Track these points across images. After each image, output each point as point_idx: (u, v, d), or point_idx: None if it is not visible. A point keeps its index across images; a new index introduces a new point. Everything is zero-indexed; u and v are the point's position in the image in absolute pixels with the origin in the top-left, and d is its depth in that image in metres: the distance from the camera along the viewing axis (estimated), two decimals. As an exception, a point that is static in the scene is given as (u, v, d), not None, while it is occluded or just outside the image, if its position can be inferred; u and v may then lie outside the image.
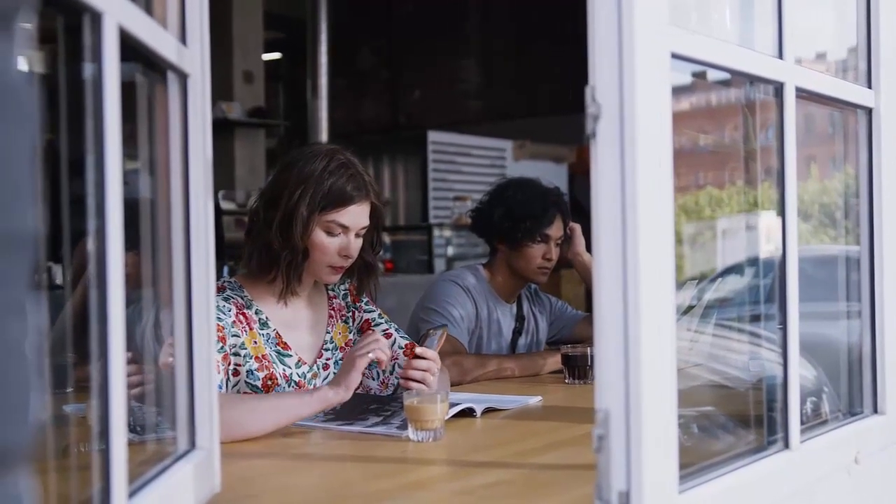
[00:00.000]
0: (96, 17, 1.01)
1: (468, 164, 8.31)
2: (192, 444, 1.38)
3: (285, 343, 2.26)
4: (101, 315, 1.02)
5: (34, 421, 0.59)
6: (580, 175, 8.36)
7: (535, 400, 2.37)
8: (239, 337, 2.16)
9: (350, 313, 2.44)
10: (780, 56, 1.53)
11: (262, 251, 2.23)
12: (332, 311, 2.41)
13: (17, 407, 0.56)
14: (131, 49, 1.12)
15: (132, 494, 1.10)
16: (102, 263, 1.02)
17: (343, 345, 2.39)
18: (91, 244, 1.03)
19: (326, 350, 2.36)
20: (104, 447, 1.03)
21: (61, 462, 1.23)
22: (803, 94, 1.59)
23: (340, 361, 2.34)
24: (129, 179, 1.11)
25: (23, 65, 0.59)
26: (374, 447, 1.85)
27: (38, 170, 0.59)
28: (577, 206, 5.83)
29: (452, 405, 2.05)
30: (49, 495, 1.18)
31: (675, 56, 1.26)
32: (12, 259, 0.56)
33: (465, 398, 2.18)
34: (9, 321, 0.56)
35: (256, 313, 2.24)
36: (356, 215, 2.22)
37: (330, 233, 2.21)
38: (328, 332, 2.37)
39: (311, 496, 1.58)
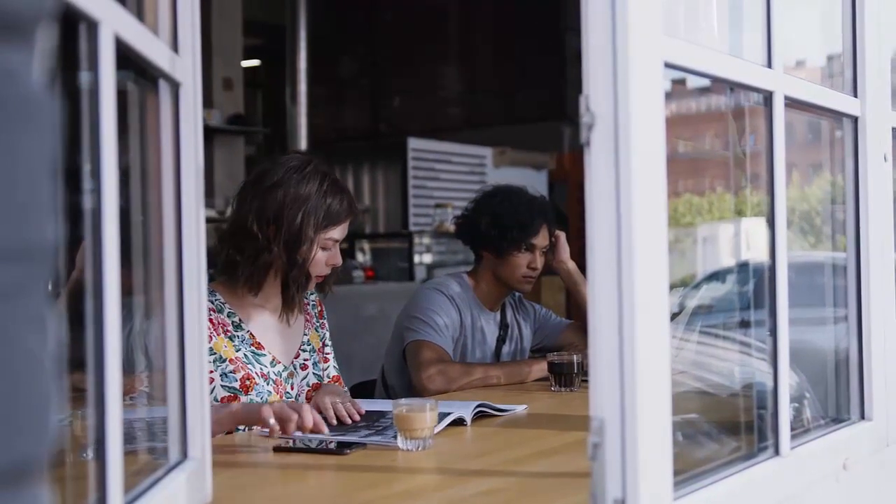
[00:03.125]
0: (93, 26, 1.00)
1: (448, 171, 8.30)
2: (185, 455, 1.37)
3: (259, 343, 2.31)
4: (97, 324, 1.01)
5: (53, 432, 0.58)
6: (559, 182, 8.38)
7: (521, 409, 2.37)
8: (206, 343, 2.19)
9: (320, 323, 2.53)
10: (769, 65, 1.54)
11: (262, 269, 2.27)
12: (308, 316, 2.48)
13: (38, 419, 0.56)
14: (123, 57, 1.12)
15: (127, 506, 1.10)
16: (98, 272, 1.01)
17: (317, 349, 2.47)
18: (86, 252, 1.02)
19: (304, 351, 2.43)
20: (100, 457, 1.02)
21: (54, 472, 1.22)
22: (791, 103, 1.60)
23: (317, 364, 2.44)
24: (119, 188, 1.10)
25: (42, 75, 0.58)
26: (364, 457, 1.84)
27: (57, 180, 0.59)
28: (557, 213, 5.85)
29: (442, 415, 2.05)
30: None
31: (667, 65, 1.26)
32: (32, 270, 0.56)
33: (454, 406, 2.18)
34: (29, 332, 0.55)
35: (229, 316, 2.29)
36: (345, 229, 2.35)
37: (325, 248, 2.31)
38: (305, 335, 2.44)
39: (302, 506, 1.57)
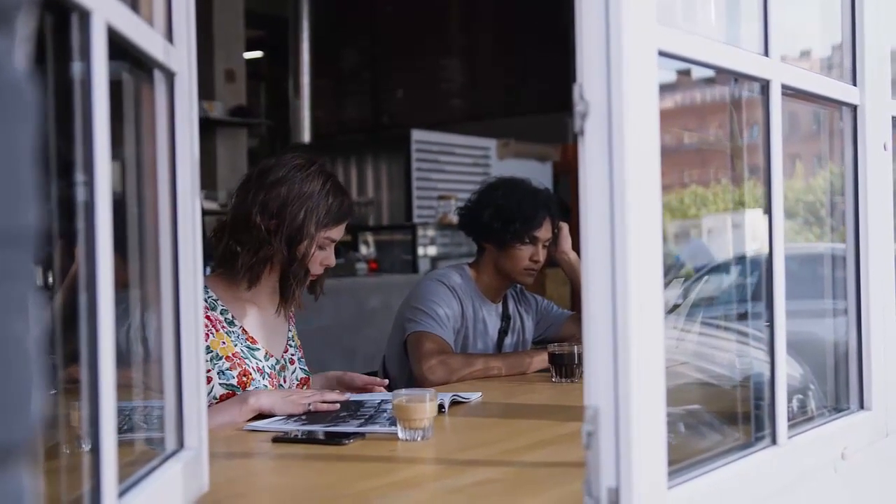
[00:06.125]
0: (84, 16, 1.00)
1: (452, 164, 8.29)
2: (181, 444, 1.38)
3: (252, 338, 2.34)
4: (91, 316, 1.01)
5: (36, 417, 0.58)
6: (564, 174, 8.37)
7: (475, 396, 2.39)
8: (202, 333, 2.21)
9: (295, 321, 2.56)
10: (766, 53, 1.53)
11: (262, 262, 2.29)
12: (292, 313, 2.51)
13: (21, 403, 0.56)
14: (117, 47, 1.12)
15: (122, 494, 1.10)
16: (92, 264, 1.01)
17: (298, 345, 2.51)
18: (80, 245, 1.02)
19: (291, 346, 2.47)
20: (93, 447, 1.02)
21: (48, 463, 1.23)
22: (789, 92, 1.60)
23: (301, 359, 2.48)
24: (113, 179, 1.10)
25: (23, 62, 0.58)
26: (362, 447, 1.84)
27: (38, 167, 0.59)
28: (562, 205, 5.84)
29: None
30: (38, 496, 1.17)
31: (662, 54, 1.26)
32: (15, 255, 0.56)
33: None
34: (12, 317, 0.56)
35: (222, 313, 2.32)
36: (343, 230, 2.39)
37: (321, 247, 2.34)
38: (290, 331, 2.49)
39: (299, 495, 1.57)
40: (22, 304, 0.57)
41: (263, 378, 2.29)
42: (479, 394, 2.42)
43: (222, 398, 2.21)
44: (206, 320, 2.24)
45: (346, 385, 2.48)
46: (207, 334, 2.23)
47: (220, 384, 2.23)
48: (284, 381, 2.38)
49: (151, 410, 1.46)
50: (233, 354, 2.26)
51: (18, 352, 0.56)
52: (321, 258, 2.35)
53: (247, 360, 2.28)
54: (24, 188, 0.57)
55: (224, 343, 2.27)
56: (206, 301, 2.28)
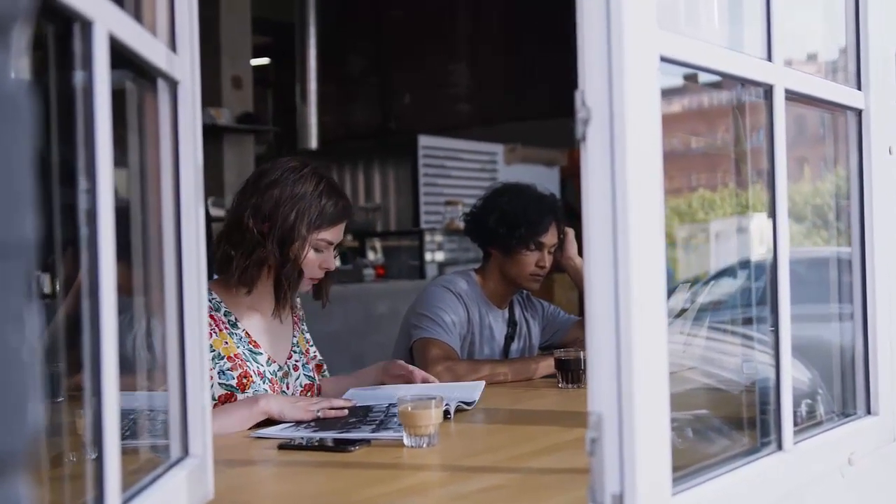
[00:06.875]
0: (87, 25, 1.01)
1: (459, 169, 8.29)
2: (186, 452, 1.38)
3: (255, 342, 2.35)
4: (94, 323, 1.01)
5: (33, 427, 0.59)
6: (571, 178, 8.37)
7: (479, 386, 2.42)
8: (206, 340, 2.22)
9: (304, 325, 2.57)
10: (770, 58, 1.53)
11: (256, 265, 2.29)
12: (296, 319, 2.52)
13: (16, 413, 0.56)
14: (121, 56, 1.12)
15: (126, 502, 1.10)
16: (94, 272, 1.01)
17: (304, 351, 2.51)
18: (83, 253, 1.03)
19: (295, 352, 2.47)
20: (97, 455, 1.02)
21: (54, 471, 1.23)
22: (793, 96, 1.59)
23: (306, 365, 2.48)
24: (118, 187, 1.10)
25: (20, 73, 0.59)
26: (368, 454, 1.84)
27: (35, 178, 0.60)
28: (569, 210, 5.84)
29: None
30: (42, 504, 1.17)
31: (664, 59, 1.26)
32: (11, 266, 0.56)
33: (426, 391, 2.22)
34: (8, 328, 0.56)
35: (225, 315, 2.32)
36: (341, 232, 2.38)
37: (317, 249, 2.33)
38: (294, 337, 2.48)
39: (305, 503, 1.57)
40: (18, 315, 0.57)
41: (264, 382, 2.29)
42: (482, 383, 2.44)
43: (221, 399, 2.22)
44: (209, 320, 2.25)
45: (393, 375, 2.50)
46: (210, 333, 2.23)
47: (219, 384, 2.23)
48: (287, 388, 2.38)
49: (156, 415, 1.46)
50: (234, 355, 2.27)
51: (14, 362, 0.56)
52: (319, 261, 2.34)
53: (248, 363, 2.28)
54: (21, 199, 0.57)
55: (227, 343, 2.28)
56: (210, 302, 2.29)
